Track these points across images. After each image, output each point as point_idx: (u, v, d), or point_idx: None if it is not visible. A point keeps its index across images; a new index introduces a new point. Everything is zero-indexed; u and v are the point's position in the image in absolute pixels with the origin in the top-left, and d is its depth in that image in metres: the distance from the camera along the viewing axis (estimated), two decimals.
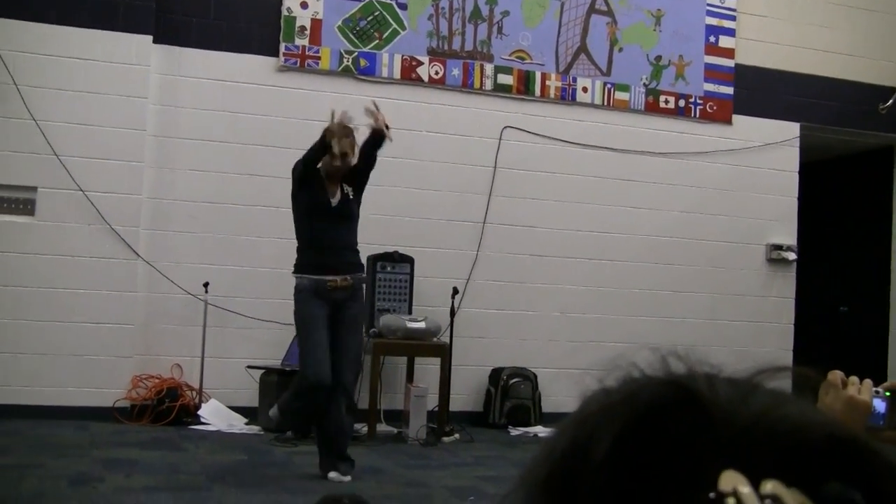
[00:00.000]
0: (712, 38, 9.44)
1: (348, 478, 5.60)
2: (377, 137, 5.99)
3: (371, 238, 8.13)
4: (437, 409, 7.55)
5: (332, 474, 5.60)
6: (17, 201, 7.59)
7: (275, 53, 8.33)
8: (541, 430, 8.16)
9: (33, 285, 7.46)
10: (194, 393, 7.81)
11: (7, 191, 7.53)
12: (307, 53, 8.38)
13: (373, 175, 8.34)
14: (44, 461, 5.82)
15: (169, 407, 7.52)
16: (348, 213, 5.85)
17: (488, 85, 8.81)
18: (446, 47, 8.73)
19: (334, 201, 5.80)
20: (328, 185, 5.84)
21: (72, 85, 7.75)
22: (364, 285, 6.19)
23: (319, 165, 5.84)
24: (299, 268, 5.81)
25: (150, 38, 7.95)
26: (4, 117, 7.57)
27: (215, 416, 7.63)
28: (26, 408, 7.28)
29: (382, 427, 7.53)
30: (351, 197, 5.87)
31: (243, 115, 8.20)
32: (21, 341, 7.48)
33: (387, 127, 5.94)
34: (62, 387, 7.56)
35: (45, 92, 7.66)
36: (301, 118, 8.28)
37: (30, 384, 7.44)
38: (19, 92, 7.53)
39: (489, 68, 8.80)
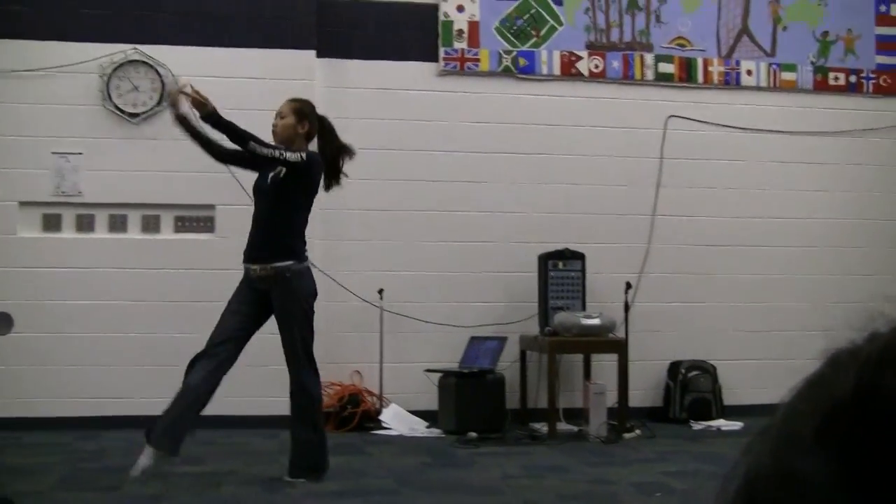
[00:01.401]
0: (882, 8, 9.09)
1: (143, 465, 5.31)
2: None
3: (540, 236, 8.20)
4: (616, 405, 7.48)
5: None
6: (198, 219, 7.90)
7: (434, 58, 8.43)
8: (723, 424, 7.99)
9: (217, 300, 7.66)
10: (375, 398, 7.94)
11: (188, 210, 7.85)
12: (466, 56, 8.45)
13: (538, 172, 8.45)
14: (238, 468, 6.04)
15: (351, 413, 7.69)
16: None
17: (649, 75, 8.69)
18: (604, 40, 8.66)
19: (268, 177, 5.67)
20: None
21: (245, 104, 7.94)
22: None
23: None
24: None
25: (314, 52, 8.16)
26: (183, 139, 7.80)
27: (396, 420, 7.74)
28: (219, 418, 7.43)
29: (562, 426, 7.52)
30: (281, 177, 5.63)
31: (408, 122, 8.33)
32: None
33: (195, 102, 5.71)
34: (251, 396, 7.77)
35: (220, 113, 7.89)
36: (464, 121, 8.41)
37: (221, 394, 7.62)
38: (195, 114, 7.76)
39: (649, 58, 8.69)
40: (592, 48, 8.62)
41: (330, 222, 8.19)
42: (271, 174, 5.53)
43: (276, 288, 5.49)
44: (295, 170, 5.48)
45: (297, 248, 5.54)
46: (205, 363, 5.37)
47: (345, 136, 8.03)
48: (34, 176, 7.86)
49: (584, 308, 7.88)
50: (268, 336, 7.80)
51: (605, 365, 7.98)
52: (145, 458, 5.22)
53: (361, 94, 8.29)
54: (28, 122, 7.84)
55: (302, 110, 5.69)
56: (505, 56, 8.49)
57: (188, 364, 5.42)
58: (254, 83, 8.00)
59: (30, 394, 7.73)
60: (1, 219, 7.84)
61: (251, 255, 5.51)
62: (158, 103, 7.93)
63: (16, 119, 7.87)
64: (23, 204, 7.87)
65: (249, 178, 7.86)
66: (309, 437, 5.58)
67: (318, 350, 7.80)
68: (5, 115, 7.87)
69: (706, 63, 8.76)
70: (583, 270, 7.99)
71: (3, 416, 7.64)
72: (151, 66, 7.95)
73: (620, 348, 7.54)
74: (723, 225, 8.71)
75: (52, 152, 7.87)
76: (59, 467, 6.09)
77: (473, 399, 7.50)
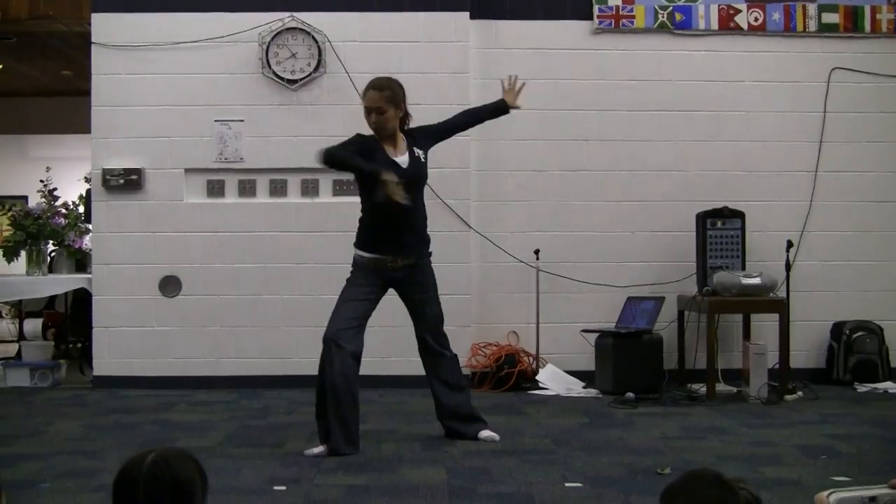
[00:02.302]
0: None
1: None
2: (501, 109, 5.90)
3: (699, 195, 8.07)
4: (777, 366, 7.31)
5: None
6: (355, 183, 7.84)
7: (588, 16, 8.31)
8: (890, 386, 7.76)
9: None
10: (531, 359, 7.95)
11: (347, 173, 7.86)
12: (621, 13, 8.31)
13: (696, 129, 8.27)
14: (397, 427, 6.15)
15: (508, 373, 7.72)
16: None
17: (812, 26, 8.37)
18: None
19: (404, 163, 5.58)
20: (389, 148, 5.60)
21: (399, 67, 8.02)
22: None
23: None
24: None
25: (468, 14, 8.16)
26: (340, 104, 7.97)
27: (553, 380, 7.74)
28: (376, 378, 7.60)
29: (721, 387, 7.40)
30: (423, 158, 5.66)
31: (562, 81, 8.26)
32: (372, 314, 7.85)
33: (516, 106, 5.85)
34: (406, 357, 7.76)
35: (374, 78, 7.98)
36: (619, 79, 8.30)
37: (377, 356, 7.76)
38: (350, 79, 7.90)
39: (812, 8, 8.36)
40: (752, 0, 8.35)
41: (485, 183, 8.23)
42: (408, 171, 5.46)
43: (416, 271, 5.58)
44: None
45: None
46: (350, 360, 5.36)
47: (498, 97, 8.05)
48: (198, 143, 8.09)
49: (743, 267, 7.70)
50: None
51: (765, 325, 7.80)
52: (319, 450, 5.29)
53: (515, 55, 8.23)
54: (192, 92, 8.05)
55: (394, 94, 5.50)
56: (661, 11, 8.31)
57: (326, 352, 5.37)
58: (408, 46, 8.07)
59: (195, 354, 8.02)
60: (168, 185, 8.11)
61: (398, 250, 5.49)
62: (315, 69, 8.05)
63: (180, 89, 8.10)
64: (188, 171, 8.11)
65: None
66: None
67: (474, 310, 7.96)
68: (171, 85, 8.11)
69: (874, 11, 8.37)
70: (742, 229, 7.81)
71: (172, 375, 7.97)
72: (308, 33, 8.06)
73: (781, 308, 7.35)
74: (889, 181, 8.37)
75: (215, 120, 8.08)
76: (227, 424, 6.30)
77: (630, 359, 7.45)
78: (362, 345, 5.46)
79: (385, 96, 5.42)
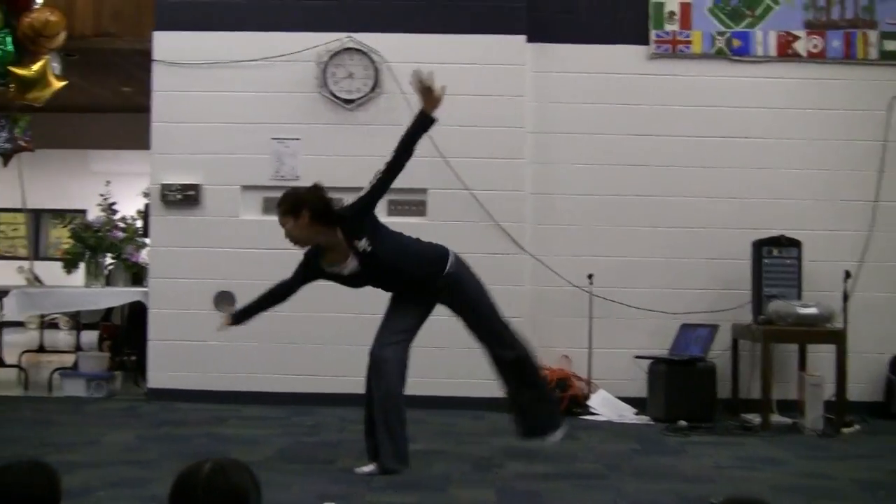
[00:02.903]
0: None
1: None
2: (425, 119, 5.23)
3: (755, 222, 7.98)
4: (833, 398, 7.18)
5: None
6: (411, 203, 8.04)
7: (645, 41, 8.31)
8: None
9: None
10: (583, 383, 7.90)
11: (401, 194, 7.76)
12: (678, 38, 8.29)
13: (752, 156, 8.20)
14: (447, 448, 6.14)
15: (560, 397, 7.60)
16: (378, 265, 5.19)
17: (873, 54, 8.28)
18: (825, 18, 8.31)
19: (346, 270, 5.26)
20: (330, 256, 5.24)
21: (455, 89, 8.02)
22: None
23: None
24: None
25: (524, 37, 8.18)
26: (395, 125, 7.92)
27: (605, 406, 7.70)
28: (427, 398, 7.60)
29: (776, 417, 7.28)
30: (370, 249, 5.16)
31: (618, 106, 8.24)
32: (422, 335, 7.84)
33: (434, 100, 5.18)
34: (459, 378, 7.90)
35: None
36: (675, 105, 8.27)
37: (430, 376, 7.76)
38: (406, 100, 7.92)
39: (873, 36, 8.28)
40: (811, 27, 8.28)
41: (540, 206, 8.22)
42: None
43: (447, 287, 5.43)
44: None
45: (434, 254, 5.43)
46: (393, 373, 5.32)
47: (554, 121, 8.05)
48: (255, 161, 8.18)
49: (799, 297, 7.62)
50: None
51: (821, 356, 7.68)
52: (370, 468, 5.26)
53: (571, 79, 8.26)
54: (250, 110, 8.17)
55: (290, 205, 5.18)
56: (718, 37, 8.28)
57: (370, 366, 5.35)
58: (464, 69, 8.09)
59: (248, 369, 8.08)
60: (225, 202, 8.20)
61: (404, 290, 5.45)
62: (372, 90, 8.10)
63: (238, 107, 8.19)
64: (245, 188, 8.21)
65: (464, 165, 8.00)
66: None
67: (528, 334, 7.86)
68: (230, 103, 8.21)
69: None
70: (799, 258, 7.72)
71: (224, 390, 8.02)
72: (365, 54, 8.13)
73: (839, 339, 7.23)
74: None
75: (272, 138, 8.18)
76: (278, 439, 6.32)
77: (684, 387, 7.39)
78: (407, 357, 5.39)
79: (282, 211, 5.18)
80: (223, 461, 2.23)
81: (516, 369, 5.58)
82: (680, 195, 8.24)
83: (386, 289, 5.38)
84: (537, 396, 5.65)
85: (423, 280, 5.28)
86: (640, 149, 8.23)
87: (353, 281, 5.27)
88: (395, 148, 5.20)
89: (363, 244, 5.10)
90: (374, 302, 7.75)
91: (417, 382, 7.77)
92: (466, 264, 5.48)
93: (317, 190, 5.14)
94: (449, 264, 5.31)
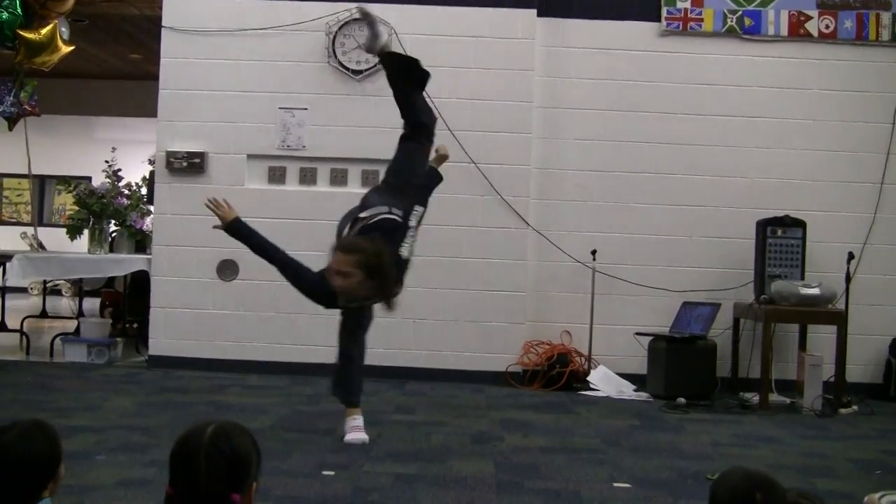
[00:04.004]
0: None
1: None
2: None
3: (761, 202, 7.99)
4: (832, 379, 7.21)
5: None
6: None
7: (656, 18, 8.27)
8: None
9: (433, 255, 7.79)
10: (583, 359, 7.93)
11: None
12: (689, 16, 8.25)
13: (760, 136, 8.20)
14: (447, 420, 6.16)
15: (559, 372, 7.70)
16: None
17: (885, 35, 8.23)
18: None
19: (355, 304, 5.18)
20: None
21: (464, 62, 8.08)
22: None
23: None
24: None
25: (535, 11, 8.16)
26: None
27: (604, 382, 7.71)
28: (427, 371, 7.76)
29: (775, 397, 7.31)
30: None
31: (627, 83, 8.23)
32: (423, 308, 7.90)
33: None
34: (459, 351, 7.96)
35: (439, 71, 8.01)
36: (686, 83, 8.24)
37: (431, 349, 7.91)
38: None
39: (886, 17, 8.23)
40: (823, 7, 8.23)
41: (545, 182, 8.23)
42: None
43: None
44: None
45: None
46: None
47: (563, 97, 8.05)
48: (262, 130, 8.16)
49: (802, 277, 7.62)
50: (484, 293, 7.93)
51: (821, 337, 7.73)
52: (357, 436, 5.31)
53: (581, 54, 8.24)
54: (257, 79, 8.14)
55: (374, 270, 4.84)
56: (730, 16, 8.24)
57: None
58: (474, 41, 8.10)
59: (249, 338, 8.10)
60: (231, 170, 8.18)
61: None
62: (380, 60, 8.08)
63: (246, 75, 8.17)
64: (251, 156, 8.19)
65: (470, 138, 8.02)
66: None
67: (529, 308, 7.98)
68: (237, 71, 8.19)
69: None
70: (803, 238, 7.72)
71: (225, 359, 8.06)
72: None
73: (839, 320, 7.25)
74: None
75: (279, 108, 8.14)
76: (278, 408, 6.36)
77: (683, 364, 7.40)
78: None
79: (356, 262, 4.83)
80: (226, 424, 2.23)
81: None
82: (686, 173, 8.24)
83: None
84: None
85: None
86: (648, 126, 8.22)
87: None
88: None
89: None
90: None
91: (418, 355, 7.95)
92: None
93: (390, 268, 4.93)
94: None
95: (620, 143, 8.24)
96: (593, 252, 8.01)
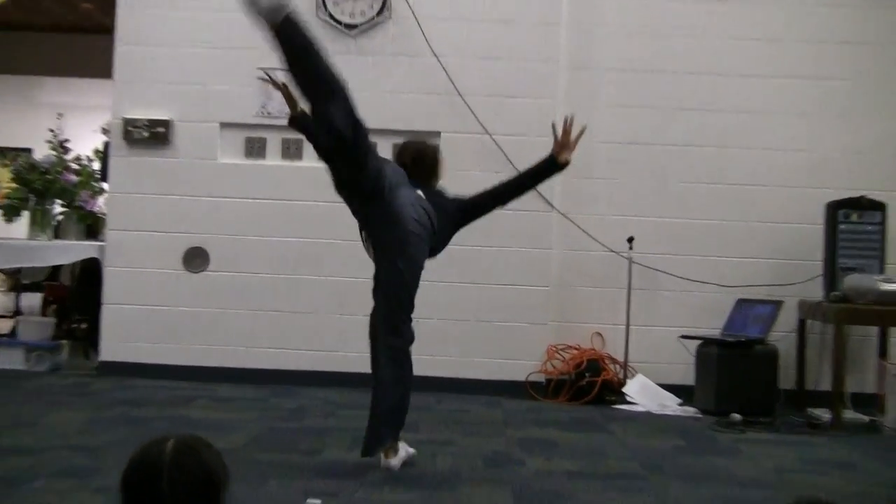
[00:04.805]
0: None
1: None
2: (548, 169, 5.48)
3: (831, 180, 7.94)
4: None
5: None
6: None
7: None
8: None
9: None
10: (618, 367, 7.88)
11: (411, 137, 7.57)
12: None
13: (829, 102, 8.08)
14: (455, 438, 6.11)
15: (589, 382, 7.67)
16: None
17: None
18: None
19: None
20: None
21: (477, 14, 7.99)
22: None
23: None
24: None
25: None
26: (405, 54, 8.01)
27: (643, 394, 7.68)
28: (433, 380, 7.55)
29: (849, 413, 7.21)
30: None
31: (669, 38, 8.18)
32: (426, 306, 7.73)
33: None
34: (470, 357, 7.91)
35: (445, 24, 7.93)
36: (739, 38, 8.18)
37: (436, 354, 7.72)
38: (419, 25, 7.84)
39: None
40: None
41: (573, 156, 7.97)
42: None
43: None
44: None
45: None
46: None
47: (593, 54, 7.95)
48: (238, 94, 8.06)
49: (882, 270, 7.54)
50: (498, 287, 7.81)
51: None
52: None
53: (616, 4, 8.18)
54: (233, 34, 7.91)
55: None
56: None
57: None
58: None
59: (222, 341, 8.04)
60: (201, 142, 8.13)
61: None
62: (379, 13, 8.02)
63: (220, 30, 8.08)
64: (224, 125, 8.14)
65: (483, 105, 7.92)
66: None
67: (553, 306, 7.94)
68: (208, 25, 8.13)
69: None
70: (883, 224, 7.64)
71: (193, 365, 7.98)
72: None
73: None
74: None
75: (258, 68, 7.78)
76: (253, 425, 6.27)
77: (739, 374, 7.37)
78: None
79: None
80: (187, 438, 2.15)
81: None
82: (741, 145, 8.17)
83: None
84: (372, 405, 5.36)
85: None
86: (694, 90, 8.16)
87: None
88: (505, 188, 5.51)
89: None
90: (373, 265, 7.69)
91: (421, 361, 7.66)
92: None
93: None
94: None
95: (662, 109, 8.17)
96: (630, 239, 7.95)
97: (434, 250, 5.30)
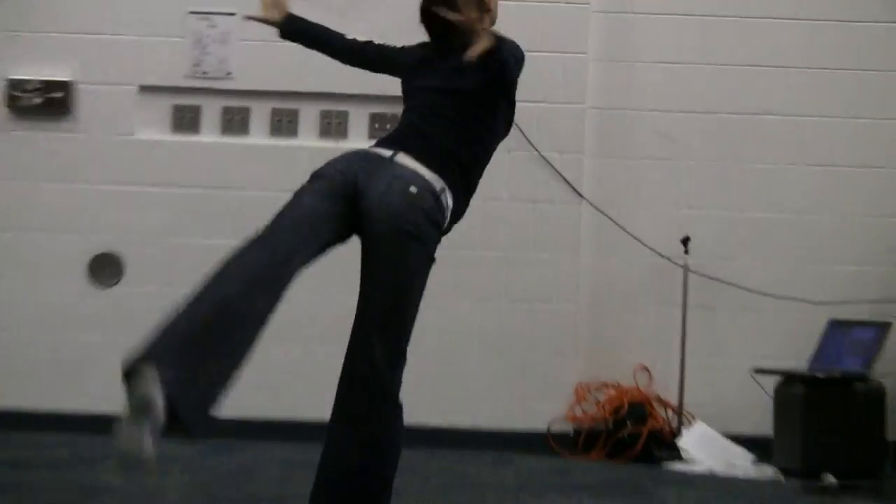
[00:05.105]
0: None
1: None
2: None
3: None
4: None
5: None
6: (397, 119, 7.44)
7: None
8: None
9: None
10: (670, 412, 7.64)
11: (388, 105, 7.52)
12: None
13: None
14: None
15: (632, 434, 7.43)
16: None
17: None
18: None
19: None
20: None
21: None
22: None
23: None
24: None
25: None
26: None
27: (705, 448, 7.33)
28: (426, 431, 7.11)
29: None
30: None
31: None
32: (416, 332, 7.07)
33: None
34: (475, 400, 7.65)
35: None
36: None
37: (430, 396, 7.38)
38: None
39: None
40: None
41: (608, 129, 7.91)
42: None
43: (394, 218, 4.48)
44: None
45: None
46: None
47: None
48: (162, 47, 7.82)
49: None
50: (508, 303, 7.52)
51: None
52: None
53: None
54: None
55: None
56: None
57: None
58: None
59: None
60: (112, 111, 7.79)
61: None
62: None
63: None
64: (144, 89, 7.82)
65: None
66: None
67: (584, 331, 7.87)
68: None
69: None
70: None
71: (98, 413, 6.92)
72: None
73: None
74: None
75: (190, 12, 7.83)
76: (177, 495, 5.77)
77: (833, 421, 6.93)
78: (297, 265, 4.31)
79: None
80: None
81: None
82: (830, 115, 7.88)
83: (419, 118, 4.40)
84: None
85: (426, 153, 4.31)
86: (770, 41, 7.88)
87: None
88: None
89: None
90: (340, 276, 6.93)
91: (412, 406, 6.92)
92: None
93: None
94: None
95: (727, 67, 7.93)
96: (685, 240, 7.63)
97: None
